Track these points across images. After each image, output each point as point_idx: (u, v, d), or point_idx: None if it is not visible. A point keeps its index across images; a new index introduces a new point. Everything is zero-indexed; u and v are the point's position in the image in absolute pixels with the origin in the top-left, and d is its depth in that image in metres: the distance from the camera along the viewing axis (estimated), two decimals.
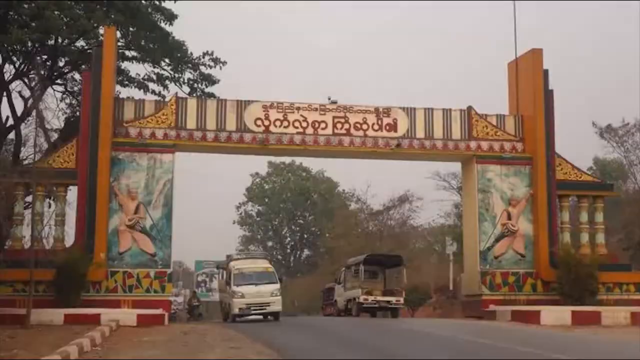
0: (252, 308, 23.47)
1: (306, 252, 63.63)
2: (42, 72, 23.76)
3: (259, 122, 23.97)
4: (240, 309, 23.42)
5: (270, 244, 64.83)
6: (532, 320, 21.63)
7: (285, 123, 24.12)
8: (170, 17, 26.82)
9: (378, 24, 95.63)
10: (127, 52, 27.66)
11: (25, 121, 25.16)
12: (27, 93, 25.13)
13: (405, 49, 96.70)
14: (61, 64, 27.50)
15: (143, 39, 27.07)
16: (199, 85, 28.17)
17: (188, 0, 28.77)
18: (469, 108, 25.25)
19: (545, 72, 25.03)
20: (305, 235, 63.41)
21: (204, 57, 27.70)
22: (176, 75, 28.12)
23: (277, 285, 24.00)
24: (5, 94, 25.82)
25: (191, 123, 23.67)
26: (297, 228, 63.60)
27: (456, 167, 32.48)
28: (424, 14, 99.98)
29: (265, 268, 24.76)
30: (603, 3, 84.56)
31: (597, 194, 25.83)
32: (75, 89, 27.77)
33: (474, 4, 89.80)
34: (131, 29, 26.76)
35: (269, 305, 23.38)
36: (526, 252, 24.62)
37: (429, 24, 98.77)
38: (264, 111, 24.06)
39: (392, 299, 26.44)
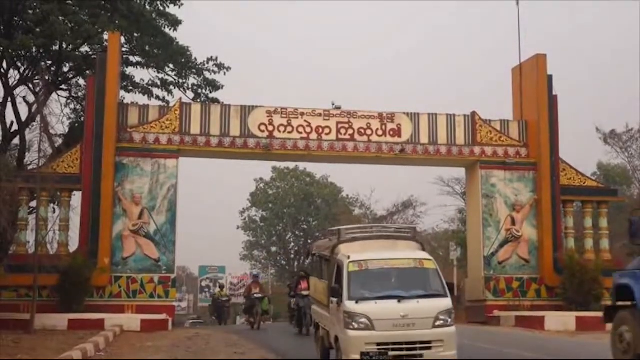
0: (391, 351, 11.34)
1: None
2: (47, 78, 23.78)
3: (262, 128, 23.98)
4: (365, 353, 11.31)
5: (274, 249, 64.75)
6: (536, 326, 21.58)
7: (289, 128, 24.12)
8: (175, 22, 26.90)
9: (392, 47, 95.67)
10: (131, 58, 27.74)
11: (30, 126, 25.19)
12: (31, 98, 25.18)
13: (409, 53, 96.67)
14: (66, 69, 27.59)
15: (147, 44, 27.14)
16: (203, 91, 28.22)
17: (193, 1, 28.91)
18: (473, 113, 25.25)
19: (550, 77, 25.00)
20: (309, 241, 63.31)
21: (208, 63, 27.75)
22: (180, 80, 28.20)
23: (446, 302, 11.77)
24: (10, 99, 25.91)
25: (195, 128, 23.68)
26: (301, 233, 63.49)
27: (460, 172, 32.45)
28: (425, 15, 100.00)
29: (416, 261, 12.35)
30: (606, 4, 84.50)
31: (602, 200, 25.78)
32: (80, 94, 27.82)
33: (478, 4, 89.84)
34: (135, 34, 26.83)
35: (429, 349, 11.38)
36: (530, 257, 24.57)
37: (431, 24, 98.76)
38: (267, 117, 24.06)
39: None
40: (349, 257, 12.25)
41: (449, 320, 11.57)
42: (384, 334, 11.36)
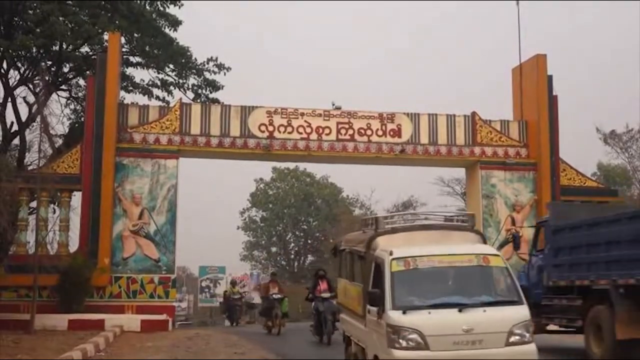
0: None
1: (310, 257, 63.50)
2: (47, 78, 23.78)
3: (263, 128, 23.98)
4: None
5: (274, 249, 64.73)
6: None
7: (290, 129, 24.12)
8: (175, 23, 26.90)
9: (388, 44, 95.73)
10: (131, 58, 27.74)
11: (30, 127, 25.20)
12: (31, 99, 25.21)
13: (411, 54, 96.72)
14: (66, 69, 27.60)
15: (147, 44, 27.15)
16: (203, 91, 28.22)
17: (193, 0, 28.92)
18: (473, 114, 25.25)
19: (550, 77, 25.03)
20: (310, 241, 63.29)
21: (208, 63, 27.75)
22: (180, 81, 28.20)
23: (522, 311, 9.41)
24: (10, 99, 25.92)
25: (195, 129, 23.68)
26: (301, 234, 63.47)
27: (460, 172, 32.45)
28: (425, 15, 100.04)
29: (479, 257, 9.95)
30: (606, 4, 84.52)
31: (602, 200, 25.75)
32: (80, 94, 27.84)
33: (478, 4, 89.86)
34: (135, 34, 26.83)
35: None
36: None
37: (432, 26, 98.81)
38: (267, 117, 24.06)
39: None
40: (391, 253, 9.71)
41: (527, 335, 9.06)
42: (441, 355, 8.85)
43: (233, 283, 30.92)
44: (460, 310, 9.01)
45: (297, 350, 17.03)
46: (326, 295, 18.05)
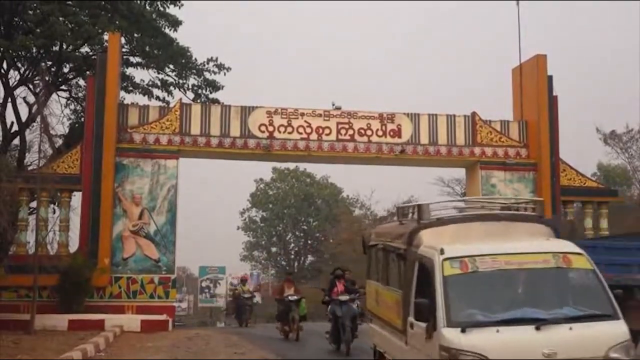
0: None
1: (310, 258, 63.53)
2: (47, 78, 23.78)
3: (263, 128, 23.97)
4: None
5: (274, 249, 64.76)
6: None
7: (290, 129, 24.11)
8: (175, 23, 26.89)
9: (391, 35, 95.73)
10: (131, 58, 27.73)
11: (30, 127, 25.20)
12: (31, 99, 25.20)
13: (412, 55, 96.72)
14: (66, 70, 27.59)
15: (147, 45, 27.13)
16: (203, 91, 28.21)
17: (193, 0, 28.92)
18: (473, 114, 25.24)
19: (550, 78, 25.01)
20: (310, 241, 63.32)
21: (208, 63, 27.74)
22: (180, 81, 28.18)
23: (620, 328, 7.22)
24: (10, 99, 25.92)
25: (195, 129, 23.67)
26: (301, 234, 63.52)
27: (460, 172, 32.44)
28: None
29: (557, 256, 7.77)
30: (606, 4, 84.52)
31: (602, 200, 25.77)
32: (80, 94, 27.83)
33: (478, 4, 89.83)
34: (135, 35, 26.81)
35: None
36: None
37: (433, 27, 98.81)
38: (268, 117, 24.05)
39: None
40: (442, 252, 7.62)
41: None
42: None
43: (243, 281, 29.06)
44: (537, 328, 6.94)
45: None
46: (344, 298, 16.25)
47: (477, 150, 24.99)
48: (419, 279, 7.99)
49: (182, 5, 27.45)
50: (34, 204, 23.53)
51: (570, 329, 6.98)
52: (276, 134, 24.01)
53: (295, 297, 19.28)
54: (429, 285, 7.54)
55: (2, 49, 24.43)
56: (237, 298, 27.24)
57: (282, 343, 18.77)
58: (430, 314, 7.32)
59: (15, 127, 26.06)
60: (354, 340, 15.80)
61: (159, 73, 28.09)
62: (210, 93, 28.18)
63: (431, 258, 7.70)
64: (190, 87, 28.18)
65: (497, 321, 7.08)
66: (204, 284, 60.06)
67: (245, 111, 24.03)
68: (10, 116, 25.98)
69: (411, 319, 7.92)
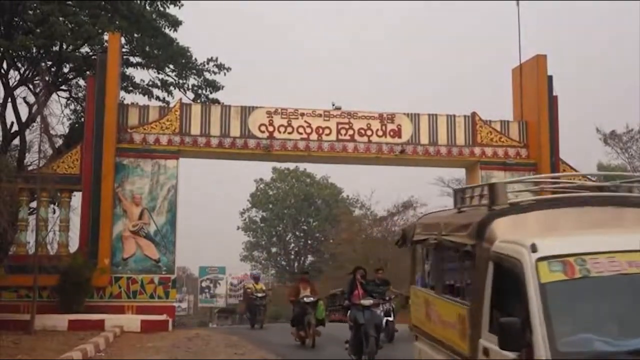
0: None
1: (310, 258, 63.58)
2: (47, 78, 23.78)
3: (263, 128, 23.96)
4: None
5: (274, 250, 64.81)
6: None
7: (290, 129, 24.10)
8: (175, 23, 26.88)
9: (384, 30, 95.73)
10: (131, 58, 27.72)
11: (30, 127, 25.18)
12: (31, 99, 25.18)
13: (411, 54, 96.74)
14: (66, 70, 27.58)
15: (147, 45, 27.12)
16: (203, 92, 28.21)
17: (193, 0, 28.90)
18: (473, 114, 25.24)
19: (550, 78, 25.00)
20: (310, 242, 63.36)
21: (208, 64, 27.72)
22: (180, 81, 28.16)
23: None
24: (10, 99, 25.91)
25: (195, 129, 23.66)
26: (301, 234, 63.58)
27: (460, 173, 32.41)
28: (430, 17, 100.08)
29: None
30: (606, 5, 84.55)
31: None
32: (80, 95, 27.82)
33: (478, 5, 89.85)
34: (136, 35, 26.80)
35: None
36: None
37: (433, 27, 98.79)
38: (268, 117, 24.05)
39: None
40: (534, 248, 5.36)
41: None
42: None
43: (256, 279, 26.98)
44: None
45: None
46: (367, 303, 14.21)
47: (477, 150, 24.98)
48: (495, 286, 5.85)
49: (182, 5, 27.45)
50: (34, 204, 23.51)
51: None
52: (276, 134, 24.00)
53: (312, 299, 17.63)
54: (514, 297, 5.39)
55: (2, 49, 24.42)
56: (249, 297, 25.45)
57: (297, 350, 17.22)
58: (521, 339, 5.02)
59: (15, 127, 26.05)
60: (378, 351, 13.82)
61: (159, 73, 28.09)
62: (210, 93, 28.19)
63: (517, 258, 5.43)
64: (190, 87, 28.18)
65: (628, 352, 4.83)
66: (204, 284, 60.09)
67: (245, 111, 24.03)
68: (10, 116, 26.00)
69: (485, 342, 5.76)
